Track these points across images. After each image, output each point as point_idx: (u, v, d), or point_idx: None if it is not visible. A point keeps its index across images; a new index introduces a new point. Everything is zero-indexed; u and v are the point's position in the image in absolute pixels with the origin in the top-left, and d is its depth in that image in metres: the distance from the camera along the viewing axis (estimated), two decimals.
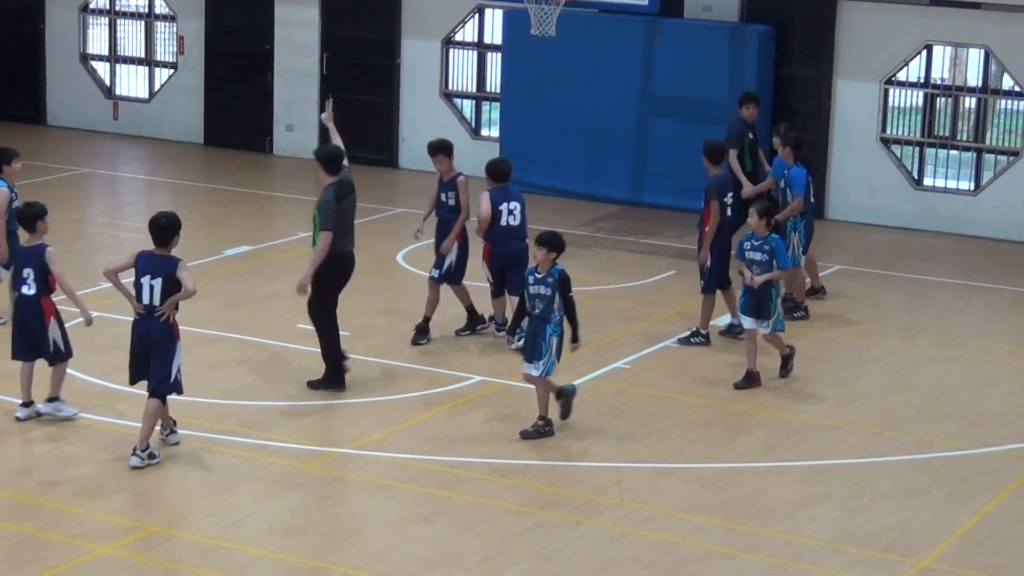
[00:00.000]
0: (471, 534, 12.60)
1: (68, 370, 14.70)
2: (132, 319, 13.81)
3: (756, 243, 16.23)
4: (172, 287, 13.58)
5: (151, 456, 13.66)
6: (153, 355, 13.65)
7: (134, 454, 13.60)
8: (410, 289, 19.33)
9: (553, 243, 14.53)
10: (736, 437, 14.97)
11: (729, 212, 17.45)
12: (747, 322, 16.33)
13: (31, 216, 14.52)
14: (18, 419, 14.52)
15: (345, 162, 15.80)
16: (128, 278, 13.77)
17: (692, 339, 17.57)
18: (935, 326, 18.89)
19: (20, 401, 14.61)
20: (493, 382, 16.09)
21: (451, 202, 17.22)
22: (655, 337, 17.74)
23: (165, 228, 13.73)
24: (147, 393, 13.70)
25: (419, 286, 19.55)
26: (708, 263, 17.41)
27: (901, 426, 15.42)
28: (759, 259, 16.15)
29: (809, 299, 19.00)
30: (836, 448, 14.78)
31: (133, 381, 13.96)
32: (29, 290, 14.39)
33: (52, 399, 14.61)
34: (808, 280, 19.25)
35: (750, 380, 16.23)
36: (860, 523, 13.06)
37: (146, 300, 13.61)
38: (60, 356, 14.55)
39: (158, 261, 13.67)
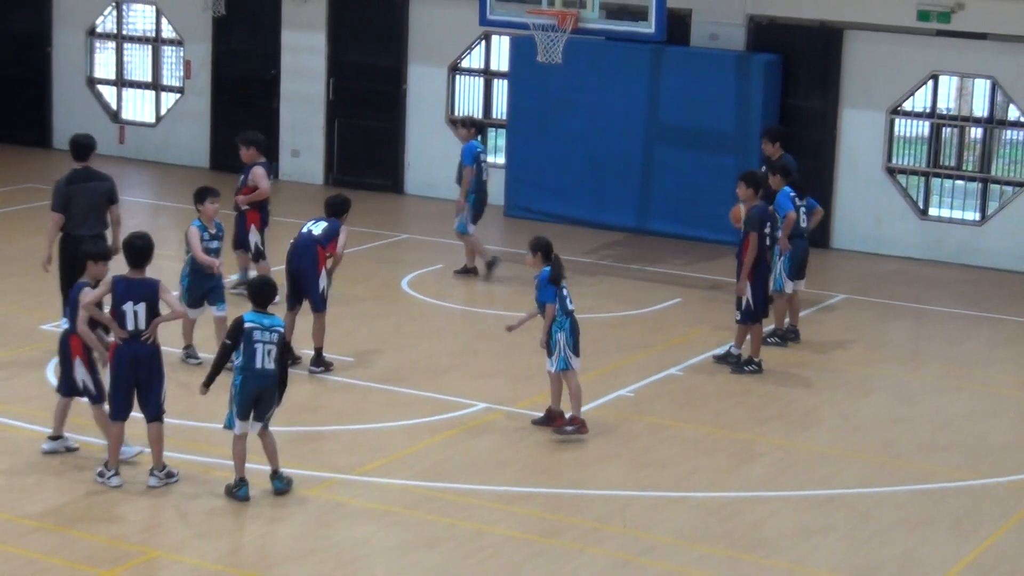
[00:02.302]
0: (473, 561, 12.58)
1: (82, 400, 14.59)
2: (114, 346, 13.64)
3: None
4: (155, 310, 13.50)
5: (168, 475, 13.68)
6: (144, 381, 13.52)
7: (152, 475, 13.64)
8: (416, 315, 19.34)
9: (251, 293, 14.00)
10: (739, 466, 14.95)
11: (768, 242, 17.56)
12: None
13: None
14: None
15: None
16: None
17: (746, 367, 17.53)
18: (940, 356, 18.88)
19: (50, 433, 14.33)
20: (498, 409, 16.07)
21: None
22: (659, 365, 17.72)
23: (142, 250, 13.63)
24: (146, 420, 13.63)
25: (425, 311, 19.57)
26: (747, 295, 17.32)
27: (905, 456, 15.40)
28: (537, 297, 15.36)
29: (768, 346, 18.17)
30: (839, 478, 14.75)
31: (118, 416, 13.62)
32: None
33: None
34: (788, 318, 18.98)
35: (549, 419, 15.48)
36: (864, 554, 13.03)
37: (131, 326, 13.42)
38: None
39: (138, 285, 13.51)
